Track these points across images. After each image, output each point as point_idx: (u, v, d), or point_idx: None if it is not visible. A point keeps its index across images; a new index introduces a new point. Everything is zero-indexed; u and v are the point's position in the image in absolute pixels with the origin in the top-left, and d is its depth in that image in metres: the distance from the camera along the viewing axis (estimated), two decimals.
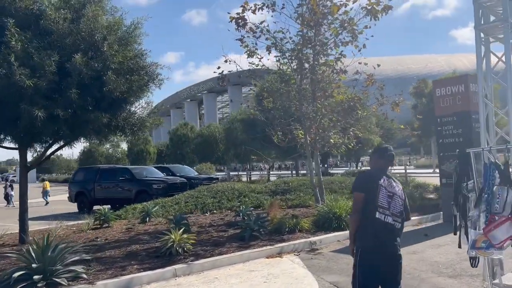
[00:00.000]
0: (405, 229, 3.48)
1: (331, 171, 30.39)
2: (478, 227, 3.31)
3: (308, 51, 10.83)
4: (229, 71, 11.01)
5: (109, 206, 15.17)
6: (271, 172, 34.20)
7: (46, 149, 8.89)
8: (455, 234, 3.70)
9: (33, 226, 12.49)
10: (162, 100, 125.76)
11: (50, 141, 8.75)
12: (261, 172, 33.65)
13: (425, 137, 23.95)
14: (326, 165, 31.12)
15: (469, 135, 9.77)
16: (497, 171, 3.26)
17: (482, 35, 5.19)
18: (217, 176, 21.71)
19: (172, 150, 40.03)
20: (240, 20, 10.85)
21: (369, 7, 10.12)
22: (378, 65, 11.22)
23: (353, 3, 10.22)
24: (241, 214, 10.26)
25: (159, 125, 9.91)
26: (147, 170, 17.87)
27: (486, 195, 3.28)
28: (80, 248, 7.53)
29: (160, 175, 17.41)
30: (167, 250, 7.27)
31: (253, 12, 11.16)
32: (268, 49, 11.17)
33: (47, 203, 21.26)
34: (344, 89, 10.98)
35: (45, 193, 21.34)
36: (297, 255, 7.60)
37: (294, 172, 25.73)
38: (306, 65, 11.02)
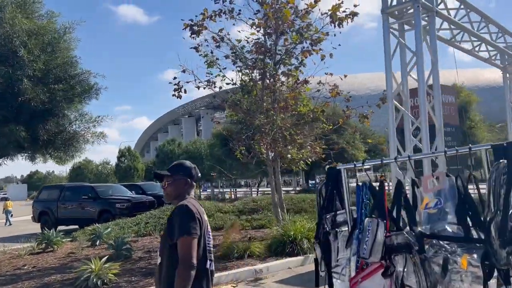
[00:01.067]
0: None
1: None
2: (348, 276, 2.41)
3: (267, 61, 10.07)
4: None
5: (62, 226, 14.30)
6: (259, 189, 33.27)
7: None
8: (317, 286, 2.75)
9: None
10: (160, 116, 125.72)
11: None
12: (247, 189, 32.68)
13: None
14: (314, 182, 30.09)
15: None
16: (371, 195, 2.40)
17: (391, 20, 4.36)
18: None
19: (159, 167, 39.02)
20: (195, 27, 10.13)
21: (330, 13, 9.39)
22: (345, 76, 10.47)
23: (312, 8, 9.48)
24: None
25: (102, 138, 9.08)
26: (113, 188, 16.97)
27: (357, 230, 2.40)
28: None
29: (128, 193, 16.50)
30: (83, 282, 6.35)
31: (211, 18, 10.45)
32: (231, 59, 10.45)
33: (10, 223, 20.41)
34: (306, 100, 10.15)
35: (6, 213, 20.38)
36: (235, 286, 6.67)
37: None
38: (268, 75, 10.26)
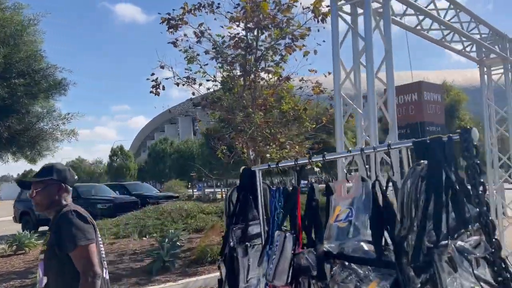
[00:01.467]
0: None
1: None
2: None
3: (248, 56, 9.71)
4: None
5: (45, 227, 13.93)
6: None
7: None
8: None
9: None
10: (156, 115, 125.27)
11: None
12: None
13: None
14: (306, 182, 29.69)
15: None
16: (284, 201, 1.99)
17: (341, 1, 3.97)
18: (176, 194, 20.34)
19: (151, 166, 38.72)
20: (172, 21, 9.75)
21: (312, 7, 9.04)
22: (329, 73, 10.11)
23: (294, 2, 9.12)
24: (166, 240, 8.95)
25: (73, 136, 8.69)
26: (96, 188, 16.56)
27: (268, 245, 2.01)
28: None
29: (111, 193, 16.09)
30: None
31: (190, 12, 10.08)
32: (212, 55, 10.10)
33: None
34: (288, 98, 9.79)
35: None
36: None
37: None
38: (248, 71, 9.90)
